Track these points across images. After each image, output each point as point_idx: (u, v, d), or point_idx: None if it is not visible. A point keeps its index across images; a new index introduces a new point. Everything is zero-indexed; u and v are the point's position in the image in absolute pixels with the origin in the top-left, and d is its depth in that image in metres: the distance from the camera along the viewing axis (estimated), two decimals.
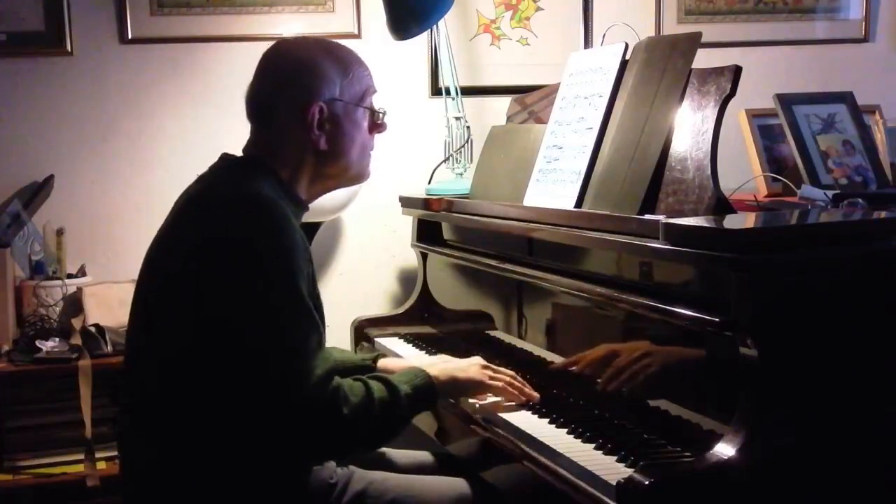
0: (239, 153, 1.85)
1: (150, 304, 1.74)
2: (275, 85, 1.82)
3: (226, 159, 1.83)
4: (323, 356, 1.65)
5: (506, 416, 1.86)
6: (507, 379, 1.93)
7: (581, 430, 1.72)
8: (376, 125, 1.90)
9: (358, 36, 2.96)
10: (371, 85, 1.88)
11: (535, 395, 1.92)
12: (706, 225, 1.59)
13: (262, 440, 1.64)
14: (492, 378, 1.92)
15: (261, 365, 1.60)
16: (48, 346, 2.51)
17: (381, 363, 2.09)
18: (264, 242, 1.64)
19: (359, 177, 1.91)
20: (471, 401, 1.95)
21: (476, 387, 1.91)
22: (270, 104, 1.81)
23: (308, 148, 1.80)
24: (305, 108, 1.78)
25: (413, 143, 2.99)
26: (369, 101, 1.87)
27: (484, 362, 1.96)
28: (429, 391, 1.81)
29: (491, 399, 1.94)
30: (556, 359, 2.05)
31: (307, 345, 1.62)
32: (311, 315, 1.66)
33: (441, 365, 1.93)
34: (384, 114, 1.90)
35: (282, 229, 1.66)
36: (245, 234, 1.64)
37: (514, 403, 1.91)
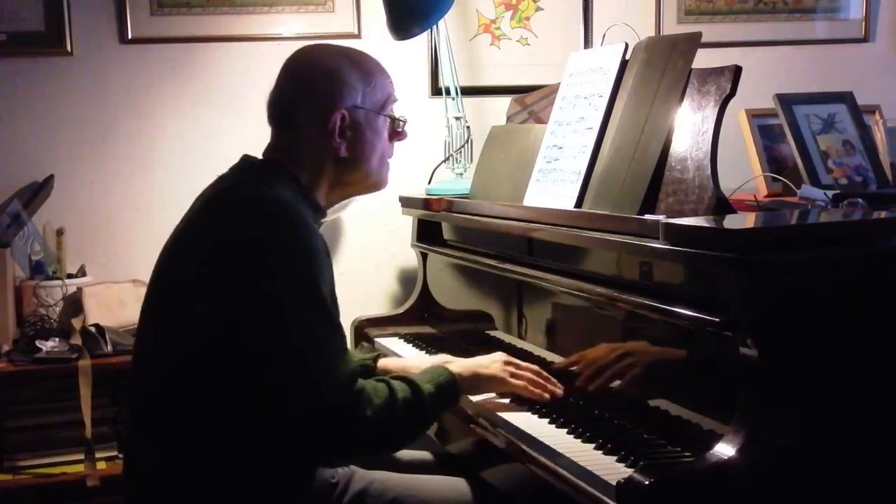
0: (250, 153, 1.85)
1: (163, 305, 1.74)
2: (297, 91, 1.82)
3: (247, 161, 1.84)
4: (344, 359, 1.65)
5: (506, 416, 1.86)
6: (529, 376, 1.91)
7: (581, 430, 1.72)
8: (397, 133, 1.90)
9: (358, 36, 2.96)
10: (392, 93, 1.89)
11: (559, 390, 1.90)
12: (706, 225, 1.59)
13: (282, 442, 1.64)
14: (513, 375, 1.90)
15: (282, 369, 1.60)
16: (48, 346, 2.51)
17: (381, 363, 2.09)
18: (283, 245, 1.64)
19: (377, 184, 1.91)
20: (474, 399, 1.94)
21: (498, 384, 1.91)
22: (292, 110, 1.82)
23: (328, 154, 1.81)
24: (327, 115, 1.78)
25: (413, 143, 2.97)
26: (390, 109, 1.88)
27: (507, 358, 1.94)
28: (452, 388, 1.81)
29: (498, 399, 1.94)
30: (557, 359, 2.05)
31: (329, 348, 1.62)
32: (332, 318, 1.66)
33: (463, 361, 1.93)
34: (405, 122, 1.91)
35: (301, 232, 1.66)
36: (263, 236, 1.64)
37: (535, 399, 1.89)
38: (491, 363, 1.92)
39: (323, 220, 1.93)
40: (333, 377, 1.61)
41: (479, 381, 1.90)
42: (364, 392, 1.64)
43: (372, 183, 1.89)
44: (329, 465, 1.79)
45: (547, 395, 1.89)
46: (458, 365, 1.88)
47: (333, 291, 1.73)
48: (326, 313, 1.65)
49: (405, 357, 2.29)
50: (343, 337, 1.68)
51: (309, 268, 1.64)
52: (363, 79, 1.83)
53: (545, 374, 1.94)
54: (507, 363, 1.93)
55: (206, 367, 1.64)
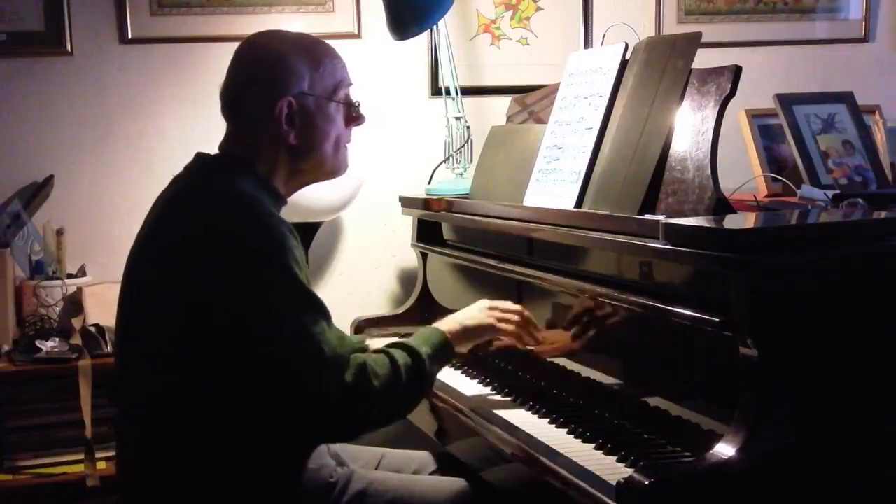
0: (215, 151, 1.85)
1: (139, 309, 1.73)
2: (244, 80, 1.80)
3: (200, 159, 1.82)
4: (338, 335, 1.65)
5: (506, 416, 1.86)
6: (515, 318, 1.96)
7: (581, 430, 1.72)
8: (353, 118, 1.87)
9: (358, 36, 2.96)
10: (345, 78, 1.85)
11: (541, 335, 1.97)
12: (706, 225, 1.59)
13: (290, 430, 1.65)
14: (501, 320, 1.94)
15: (280, 360, 1.59)
16: (48, 346, 2.51)
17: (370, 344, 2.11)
18: (254, 239, 1.63)
19: (335, 171, 1.88)
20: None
21: (487, 330, 1.94)
22: (241, 100, 1.80)
23: (280, 143, 1.78)
24: (274, 103, 1.76)
25: (413, 143, 2.99)
26: (343, 94, 1.84)
27: (490, 303, 1.98)
28: (447, 347, 1.84)
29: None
30: (556, 359, 2.05)
31: (319, 329, 1.62)
32: (315, 299, 1.66)
33: (449, 317, 1.95)
34: (359, 105, 1.87)
35: (268, 223, 1.65)
36: (234, 232, 1.63)
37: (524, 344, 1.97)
38: (477, 312, 1.96)
39: (320, 221, 1.93)
40: (334, 357, 1.61)
41: (469, 333, 1.92)
42: (367, 365, 1.65)
43: (329, 169, 1.86)
44: (346, 440, 1.81)
45: (533, 341, 1.95)
46: (446, 322, 1.91)
47: (308, 274, 1.72)
48: (308, 297, 1.64)
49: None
50: (329, 316, 1.67)
51: (281, 256, 1.63)
52: (310, 65, 1.79)
53: (527, 313, 1.98)
54: (492, 308, 1.96)
55: (195, 365, 1.63)
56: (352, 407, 1.63)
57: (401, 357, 1.72)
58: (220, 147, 1.84)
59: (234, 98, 1.81)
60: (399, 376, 1.69)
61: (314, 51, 1.82)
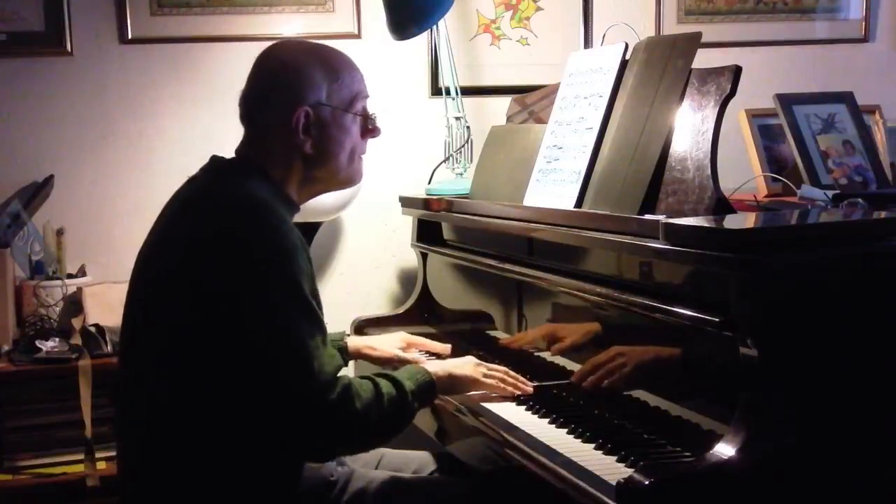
0: (232, 155, 1.85)
1: (146, 308, 1.74)
2: (263, 88, 1.82)
3: (216, 161, 1.83)
4: (329, 353, 1.66)
5: (506, 416, 1.86)
6: (500, 376, 1.98)
7: (581, 430, 1.72)
8: (368, 130, 1.89)
9: (358, 36, 2.96)
10: (363, 90, 1.87)
11: (530, 388, 1.96)
12: (706, 225, 1.59)
13: (273, 438, 1.65)
14: (486, 376, 1.96)
15: (270, 366, 1.61)
16: (48, 346, 2.51)
17: (351, 343, 2.15)
18: (263, 243, 1.64)
19: (349, 181, 1.89)
20: (467, 394, 1.97)
21: (472, 383, 1.96)
22: (259, 107, 1.81)
23: (296, 151, 1.80)
24: (291, 113, 1.77)
25: (413, 143, 2.99)
26: (360, 106, 1.86)
27: (477, 360, 2.00)
28: (430, 387, 1.84)
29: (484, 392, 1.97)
30: (556, 359, 2.05)
31: (314, 344, 1.63)
32: (315, 313, 1.67)
33: (437, 362, 1.99)
34: (375, 117, 1.89)
35: (279, 229, 1.66)
36: (244, 235, 1.64)
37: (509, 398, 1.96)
38: (464, 364, 1.98)
39: (320, 221, 1.93)
40: (320, 372, 1.62)
41: (454, 382, 1.94)
42: (351, 386, 1.66)
43: (342, 179, 1.88)
44: (319, 460, 1.80)
45: (518, 393, 1.95)
46: (434, 365, 1.93)
47: (314, 285, 1.73)
48: (309, 309, 1.66)
49: (371, 336, 2.32)
50: (324, 332, 1.68)
51: (287, 264, 1.64)
52: (328, 76, 1.81)
53: (514, 374, 1.99)
54: (478, 364, 1.98)
55: (196, 366, 1.64)
56: (331, 424, 1.64)
57: (385, 386, 1.73)
58: (237, 151, 1.85)
59: (253, 105, 1.82)
60: (381, 403, 1.70)
61: (333, 62, 1.84)
